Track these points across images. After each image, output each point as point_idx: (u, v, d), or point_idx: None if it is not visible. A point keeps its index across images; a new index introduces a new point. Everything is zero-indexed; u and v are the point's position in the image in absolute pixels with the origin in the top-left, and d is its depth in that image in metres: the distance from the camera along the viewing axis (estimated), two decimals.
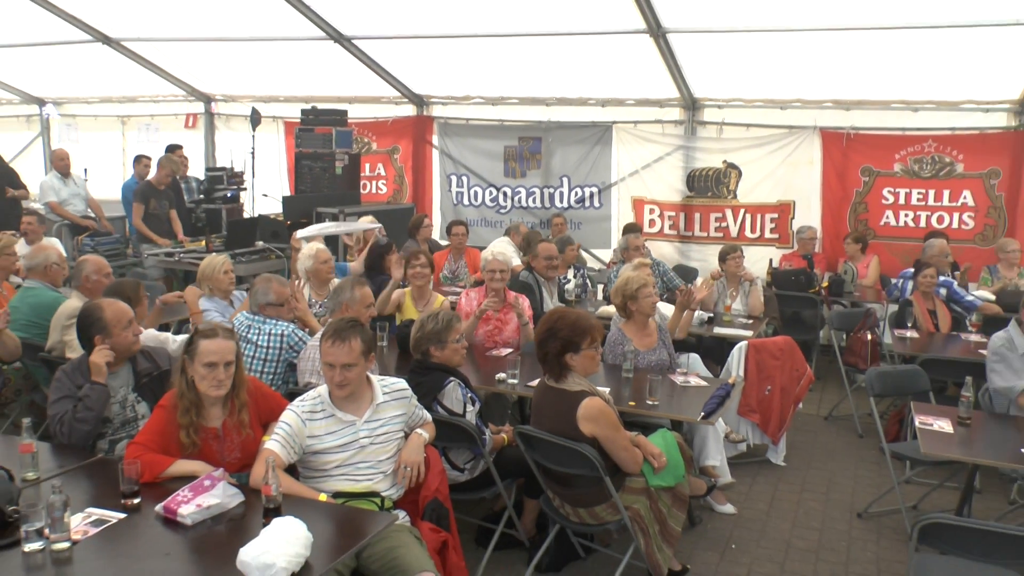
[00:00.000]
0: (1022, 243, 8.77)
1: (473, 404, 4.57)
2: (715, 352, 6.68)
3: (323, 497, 3.61)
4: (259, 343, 5.06)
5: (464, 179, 11.35)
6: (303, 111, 10.67)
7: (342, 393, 3.75)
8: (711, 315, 7.23)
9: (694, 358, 6.18)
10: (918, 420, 4.85)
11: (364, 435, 3.76)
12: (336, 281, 6.38)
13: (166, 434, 3.66)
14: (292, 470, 3.75)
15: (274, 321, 5.16)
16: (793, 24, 8.01)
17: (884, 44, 8.22)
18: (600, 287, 8.52)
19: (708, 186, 10.19)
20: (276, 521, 3.00)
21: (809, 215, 9.84)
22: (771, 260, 9.31)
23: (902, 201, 9.55)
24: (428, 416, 4.10)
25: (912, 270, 7.74)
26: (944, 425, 4.78)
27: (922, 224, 9.45)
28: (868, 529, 5.52)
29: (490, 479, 4.54)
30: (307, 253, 6.58)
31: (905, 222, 9.56)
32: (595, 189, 10.71)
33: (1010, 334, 5.36)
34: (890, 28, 7.86)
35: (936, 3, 7.39)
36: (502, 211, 11.18)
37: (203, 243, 9.11)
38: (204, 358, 3.66)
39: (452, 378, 4.56)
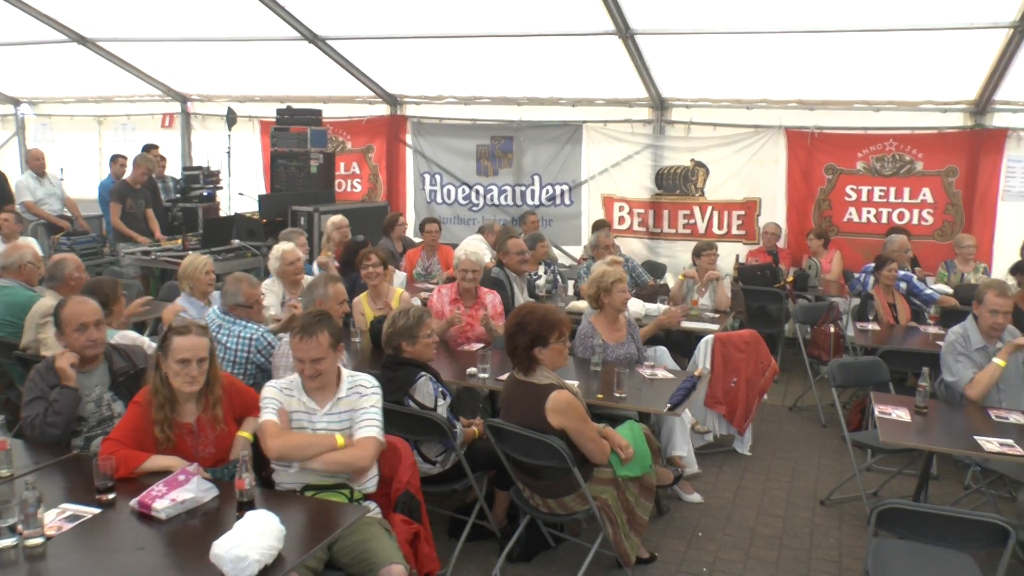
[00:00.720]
0: (978, 239, 9.02)
1: (444, 398, 4.64)
2: (683, 346, 6.80)
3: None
4: (228, 344, 5.08)
5: (437, 177, 11.44)
6: (279, 111, 10.73)
7: (314, 385, 3.83)
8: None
9: (662, 351, 6.29)
10: (877, 410, 4.98)
11: (322, 426, 3.81)
12: (308, 279, 6.47)
13: (141, 430, 3.71)
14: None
15: (244, 323, 5.16)
16: (758, 26, 8.17)
17: (846, 46, 8.38)
18: (571, 283, 8.64)
19: (676, 184, 10.35)
20: (249, 514, 3.06)
21: (775, 212, 10.02)
22: (737, 256, 9.48)
23: (864, 198, 9.77)
24: (370, 420, 3.83)
25: (874, 265, 7.91)
26: (902, 414, 4.91)
27: (883, 220, 9.67)
28: (830, 515, 5.66)
29: (462, 472, 4.63)
30: (274, 255, 6.62)
31: (867, 218, 9.78)
32: (566, 187, 10.84)
33: (966, 328, 5.51)
34: (852, 31, 8.04)
35: (896, 7, 7.57)
36: (474, 209, 11.29)
37: (180, 242, 9.16)
38: (177, 354, 3.71)
39: (423, 373, 4.64)
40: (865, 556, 3.90)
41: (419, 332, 4.72)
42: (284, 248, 6.66)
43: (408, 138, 11.57)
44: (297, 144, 10.41)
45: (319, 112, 10.82)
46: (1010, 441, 4.52)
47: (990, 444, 4.50)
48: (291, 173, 10.45)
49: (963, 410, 5.21)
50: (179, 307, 5.97)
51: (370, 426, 3.79)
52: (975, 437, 4.60)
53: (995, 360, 5.22)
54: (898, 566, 3.89)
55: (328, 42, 9.98)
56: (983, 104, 9.10)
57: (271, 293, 6.41)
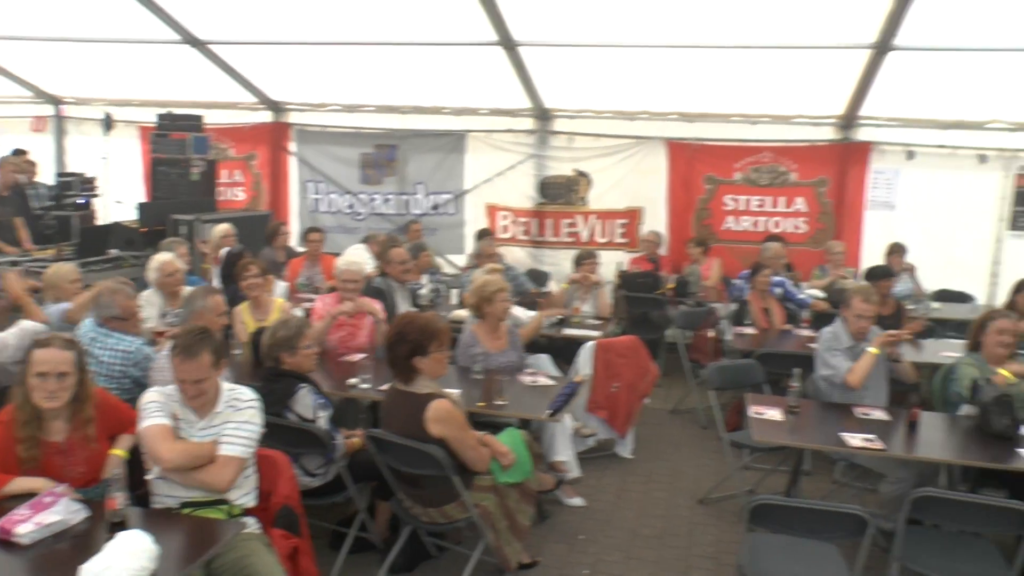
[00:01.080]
0: (847, 245, 9.50)
1: (325, 410, 4.61)
2: (566, 352, 6.87)
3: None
4: (102, 358, 4.90)
5: (321, 186, 11.32)
6: (159, 116, 10.37)
7: (195, 404, 3.77)
8: (561, 316, 7.49)
9: (543, 358, 6.39)
10: (752, 410, 5.18)
11: (196, 440, 3.74)
12: (188, 289, 6.33)
13: (3, 450, 3.55)
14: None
15: (120, 336, 4.99)
16: (640, 41, 8.33)
17: (724, 62, 8.64)
18: (454, 292, 8.69)
19: (560, 193, 10.50)
20: (120, 535, 2.98)
21: (656, 221, 10.27)
22: (619, 264, 9.69)
23: (742, 207, 10.14)
24: (235, 437, 3.75)
25: (750, 271, 8.17)
26: (775, 414, 5.12)
27: (760, 228, 10.03)
28: (709, 514, 5.84)
29: (343, 484, 4.60)
30: (153, 265, 6.41)
31: (745, 227, 10.14)
32: (450, 196, 10.87)
33: (836, 329, 5.78)
34: (729, 47, 8.28)
35: (769, 26, 7.84)
36: (358, 218, 11.21)
37: (53, 251, 8.82)
38: (36, 367, 3.57)
39: (303, 384, 4.60)
40: (740, 551, 4.04)
41: (299, 343, 4.68)
42: (163, 259, 6.45)
43: (292, 146, 11.40)
44: (178, 151, 10.13)
45: (200, 118, 10.51)
46: (872, 436, 4.76)
47: (854, 440, 4.73)
48: (172, 180, 10.16)
49: (832, 408, 5.44)
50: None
51: (233, 444, 3.72)
52: (840, 433, 4.82)
53: (869, 349, 5.51)
54: (769, 559, 4.06)
55: (210, 46, 9.72)
56: (850, 119, 9.56)
57: (150, 305, 6.22)
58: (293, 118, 11.41)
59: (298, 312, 6.51)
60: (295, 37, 9.21)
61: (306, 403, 4.54)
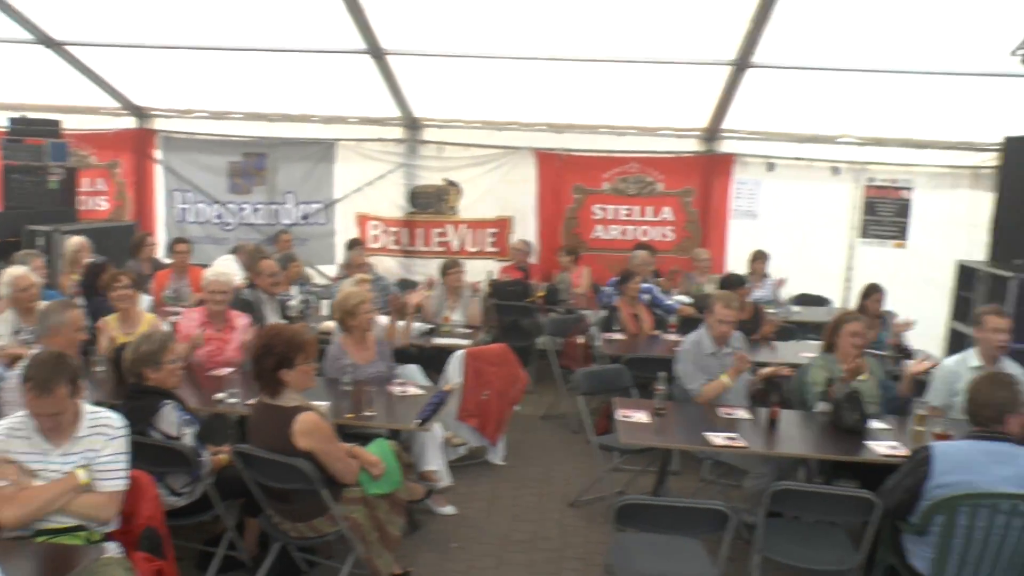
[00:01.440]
0: (712, 252, 9.89)
1: (190, 426, 4.52)
2: (436, 361, 6.89)
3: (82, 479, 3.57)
4: None
5: (189, 195, 11.03)
6: (12, 120, 9.92)
7: (51, 434, 3.64)
8: (432, 326, 7.53)
9: (412, 368, 6.41)
10: (620, 413, 5.34)
11: (55, 467, 3.62)
12: (44, 304, 6.08)
13: None
14: None
15: None
16: (508, 52, 8.49)
17: (592, 74, 8.89)
18: (325, 303, 8.61)
19: (430, 202, 10.56)
20: None
21: (527, 230, 10.47)
22: (490, 272, 9.81)
23: (611, 216, 10.45)
24: (116, 471, 3.70)
25: (619, 279, 8.35)
26: (642, 416, 5.29)
27: (629, 237, 10.34)
28: (580, 517, 5.96)
29: (210, 502, 4.51)
30: (5, 280, 6.09)
31: (614, 235, 10.44)
32: (320, 205, 10.78)
33: (700, 335, 6.02)
34: (596, 61, 8.54)
35: (634, 41, 8.11)
36: (227, 228, 10.97)
37: None
38: None
39: (167, 401, 4.49)
40: (607, 551, 4.16)
41: (163, 358, 4.57)
42: (15, 273, 6.11)
43: (157, 153, 11.07)
44: (33, 157, 9.68)
45: (58, 123, 10.08)
46: (735, 435, 5.01)
47: (717, 438, 4.96)
48: (27, 189, 9.71)
49: (697, 409, 5.65)
50: None
51: (114, 479, 3.67)
52: (704, 433, 5.03)
53: (722, 378, 5.73)
54: (636, 557, 4.21)
55: (67, 47, 9.35)
56: (713, 132, 9.99)
57: (2, 322, 5.97)
58: (158, 124, 11.07)
59: (165, 326, 6.34)
60: (159, 40, 8.96)
61: (171, 420, 4.43)
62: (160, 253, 10.02)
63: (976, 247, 9.57)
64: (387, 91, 9.45)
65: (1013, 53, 6.41)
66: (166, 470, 4.43)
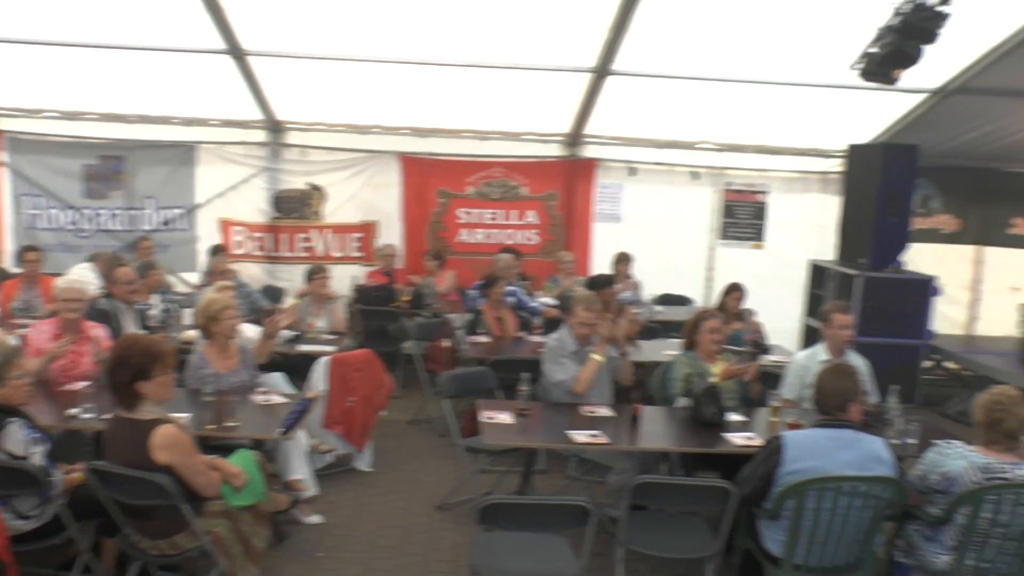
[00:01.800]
0: (576, 255, 10.16)
1: (40, 444, 4.32)
2: (301, 369, 6.81)
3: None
4: None
5: (39, 200, 10.49)
6: None
7: None
8: (296, 333, 7.44)
9: (276, 376, 6.32)
10: (484, 415, 5.40)
11: None
12: None
13: None
14: None
15: None
16: (371, 55, 8.44)
17: (456, 79, 8.93)
18: (187, 312, 8.39)
19: (294, 207, 10.41)
20: None
21: (392, 234, 10.45)
22: (355, 277, 9.76)
23: (475, 220, 10.55)
24: None
25: (483, 282, 8.45)
26: (506, 417, 5.37)
27: (494, 241, 10.45)
28: (447, 519, 6.00)
29: (62, 524, 4.32)
30: None
31: (479, 239, 10.54)
32: (181, 211, 10.45)
33: (562, 335, 6.16)
34: (460, 65, 8.58)
35: (495, 46, 8.22)
36: (83, 235, 10.45)
37: None
38: None
39: (13, 419, 4.28)
40: (471, 551, 4.21)
41: (8, 373, 4.35)
42: None
43: (3, 156, 10.49)
44: None
45: None
46: (598, 432, 5.14)
47: (580, 436, 5.08)
48: None
49: (560, 409, 5.77)
50: None
51: None
52: (567, 431, 5.14)
53: (593, 356, 5.89)
54: (500, 555, 4.29)
55: None
56: (576, 137, 10.22)
57: None
58: (4, 125, 10.39)
59: (12, 340, 6.04)
60: (4, 34, 8.42)
61: (17, 438, 4.24)
62: (8, 262, 9.53)
63: (827, 247, 10.15)
64: (248, 93, 9.25)
65: (852, 67, 6.78)
66: (12, 492, 4.23)
